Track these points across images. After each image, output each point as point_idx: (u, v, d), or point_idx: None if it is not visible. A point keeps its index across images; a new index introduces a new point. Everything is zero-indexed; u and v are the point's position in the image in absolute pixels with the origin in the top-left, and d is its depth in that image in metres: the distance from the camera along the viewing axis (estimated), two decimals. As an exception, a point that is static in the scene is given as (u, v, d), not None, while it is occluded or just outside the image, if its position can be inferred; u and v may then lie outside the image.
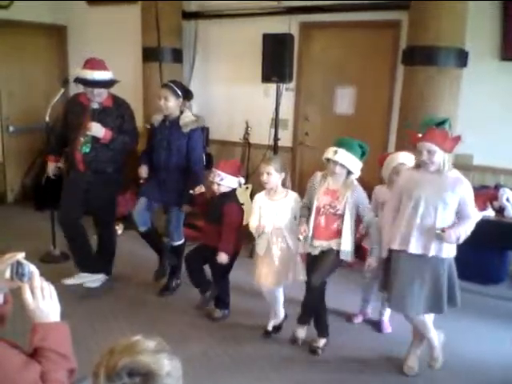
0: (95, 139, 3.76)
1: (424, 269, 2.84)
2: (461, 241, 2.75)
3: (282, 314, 3.56)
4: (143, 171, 3.93)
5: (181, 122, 3.77)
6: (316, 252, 3.20)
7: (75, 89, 4.25)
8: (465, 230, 2.75)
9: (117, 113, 3.84)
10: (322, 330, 3.36)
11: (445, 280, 2.84)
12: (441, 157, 2.75)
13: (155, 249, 4.10)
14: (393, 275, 2.92)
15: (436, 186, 2.78)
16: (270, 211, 3.30)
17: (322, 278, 3.14)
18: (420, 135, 2.78)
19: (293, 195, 3.35)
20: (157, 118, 3.90)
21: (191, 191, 3.63)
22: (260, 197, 3.38)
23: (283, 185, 3.34)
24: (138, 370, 1.14)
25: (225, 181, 3.47)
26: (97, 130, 3.72)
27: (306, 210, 3.24)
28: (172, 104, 3.75)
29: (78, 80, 3.74)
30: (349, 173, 3.09)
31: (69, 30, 6.73)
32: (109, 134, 3.76)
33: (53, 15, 6.43)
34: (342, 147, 3.04)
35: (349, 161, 3.04)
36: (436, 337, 3.08)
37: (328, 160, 3.09)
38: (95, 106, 3.79)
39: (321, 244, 3.17)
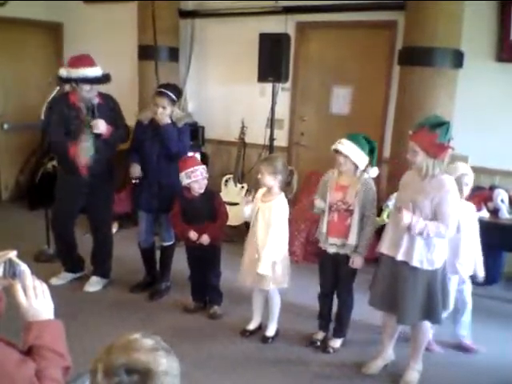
0: (96, 138, 3.70)
1: (403, 276, 2.76)
2: (418, 232, 2.61)
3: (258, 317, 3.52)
4: (136, 170, 3.78)
5: (173, 117, 3.71)
6: (331, 250, 3.17)
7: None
8: (431, 227, 2.60)
9: (107, 107, 3.80)
10: (341, 329, 3.34)
11: (421, 291, 2.74)
12: (423, 160, 2.62)
13: (147, 267, 4.09)
14: (376, 278, 2.95)
15: (414, 190, 2.70)
16: (256, 208, 3.29)
17: (349, 292, 3.25)
18: (410, 132, 2.70)
19: (280, 200, 3.24)
20: (146, 116, 3.77)
21: None
22: (260, 192, 3.37)
23: (288, 184, 3.30)
24: (135, 368, 1.16)
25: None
26: (103, 126, 3.68)
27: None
28: (169, 112, 3.68)
29: (80, 79, 3.58)
30: (357, 167, 3.06)
31: (65, 28, 6.71)
32: (109, 129, 3.73)
33: (49, 12, 6.41)
34: (348, 139, 3.05)
35: (352, 152, 3.01)
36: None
37: (336, 152, 3.07)
38: (95, 100, 3.70)
39: (335, 241, 3.16)
